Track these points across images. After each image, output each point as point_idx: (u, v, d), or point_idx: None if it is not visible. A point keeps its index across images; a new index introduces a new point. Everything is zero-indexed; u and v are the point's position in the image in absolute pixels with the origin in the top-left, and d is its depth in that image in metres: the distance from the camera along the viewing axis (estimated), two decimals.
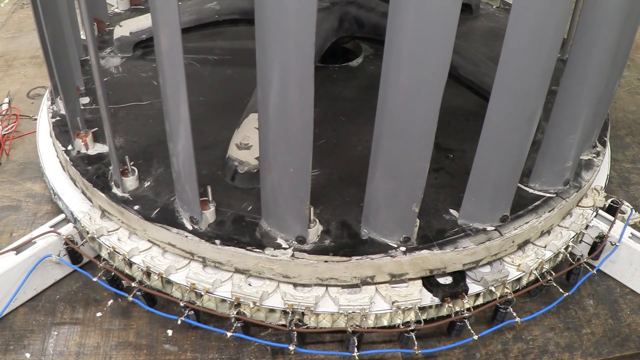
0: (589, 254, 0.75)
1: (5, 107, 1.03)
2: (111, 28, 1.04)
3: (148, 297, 0.67)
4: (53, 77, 0.78)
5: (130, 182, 0.70)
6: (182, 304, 0.63)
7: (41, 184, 0.87)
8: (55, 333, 0.66)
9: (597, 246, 0.74)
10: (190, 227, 0.65)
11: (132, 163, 0.71)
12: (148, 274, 0.66)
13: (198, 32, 1.01)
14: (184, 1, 1.08)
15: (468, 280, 0.67)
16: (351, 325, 0.63)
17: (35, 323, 0.67)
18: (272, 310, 0.64)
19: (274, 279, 0.65)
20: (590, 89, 0.64)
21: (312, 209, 0.63)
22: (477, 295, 0.67)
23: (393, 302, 0.63)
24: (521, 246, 0.70)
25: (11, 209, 0.83)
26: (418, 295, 0.64)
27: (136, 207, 0.68)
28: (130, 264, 0.68)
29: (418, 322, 0.63)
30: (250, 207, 0.68)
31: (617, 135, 1.03)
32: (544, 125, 0.70)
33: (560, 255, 0.72)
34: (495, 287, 0.67)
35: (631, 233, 0.75)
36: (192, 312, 0.63)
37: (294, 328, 0.62)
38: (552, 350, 0.67)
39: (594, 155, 0.80)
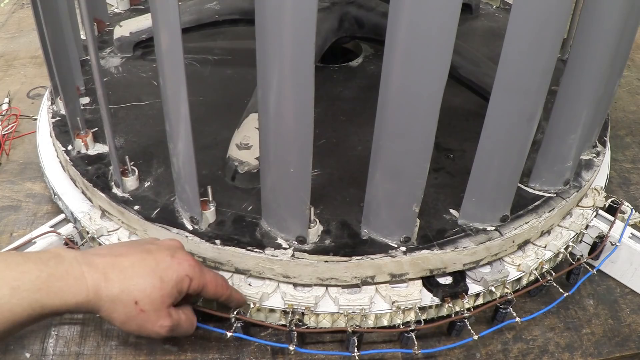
0: (589, 254, 0.75)
1: (5, 107, 1.03)
2: (111, 28, 1.04)
3: None
4: (53, 77, 0.78)
5: (131, 182, 0.70)
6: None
7: (41, 184, 0.87)
8: (55, 333, 0.66)
9: (597, 246, 0.74)
10: (190, 227, 0.65)
11: (132, 163, 0.71)
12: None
13: (198, 32, 1.01)
14: (184, 1, 1.08)
15: (468, 280, 0.67)
16: (351, 325, 0.63)
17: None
18: (272, 310, 0.64)
19: (274, 279, 0.65)
20: (590, 89, 0.64)
21: (312, 209, 0.63)
22: (477, 295, 0.67)
23: (393, 302, 0.63)
24: (521, 246, 0.70)
25: (11, 209, 0.83)
26: (418, 295, 0.64)
27: (136, 207, 0.68)
28: None
29: (418, 322, 0.63)
30: (251, 207, 0.68)
31: (617, 135, 1.03)
32: (544, 125, 0.70)
33: (560, 255, 0.72)
34: (495, 287, 0.67)
35: (631, 233, 0.75)
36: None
37: (294, 328, 0.62)
38: (552, 350, 0.67)
39: (594, 155, 0.80)
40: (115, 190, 0.70)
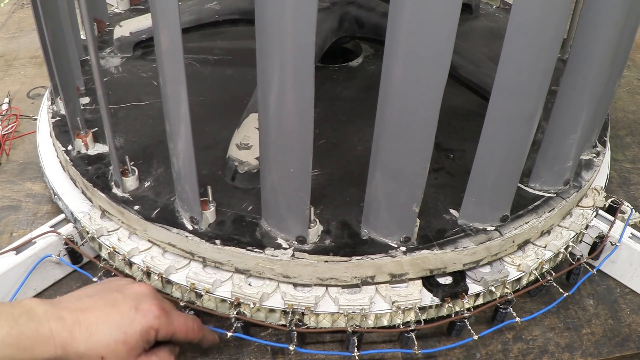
0: (589, 254, 0.75)
1: (5, 107, 1.03)
2: (111, 28, 1.04)
3: None
4: (53, 77, 0.78)
5: (130, 182, 0.70)
6: (182, 304, 0.63)
7: (41, 184, 0.87)
8: None
9: (597, 246, 0.74)
10: (190, 227, 0.65)
11: (132, 163, 0.71)
12: (148, 274, 0.66)
13: (198, 32, 1.01)
14: (184, 1, 1.08)
15: (468, 280, 0.67)
16: (351, 325, 0.63)
17: None
18: (272, 310, 0.64)
19: (274, 279, 0.65)
20: (590, 89, 0.64)
21: (312, 209, 0.63)
22: (477, 295, 0.67)
23: (393, 302, 0.63)
24: (521, 246, 0.70)
25: (11, 209, 0.83)
26: (418, 295, 0.64)
27: (136, 207, 0.68)
28: (130, 264, 0.68)
29: (418, 322, 0.63)
30: (251, 207, 0.68)
31: (617, 135, 1.03)
32: (544, 125, 0.70)
33: (560, 255, 0.72)
34: (495, 287, 0.67)
35: (631, 233, 0.75)
36: (192, 312, 0.63)
37: (294, 328, 0.62)
38: (552, 350, 0.67)
39: (594, 155, 0.80)
40: (115, 190, 0.70)
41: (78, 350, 0.51)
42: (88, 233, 0.71)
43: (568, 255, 0.72)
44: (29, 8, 1.05)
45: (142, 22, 1.00)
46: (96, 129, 0.79)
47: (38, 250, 0.68)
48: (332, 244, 0.64)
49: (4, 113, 1.02)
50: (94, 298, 0.55)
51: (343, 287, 0.65)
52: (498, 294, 0.67)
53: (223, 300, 0.64)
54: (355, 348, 0.62)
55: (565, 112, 0.66)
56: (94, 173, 0.73)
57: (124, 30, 0.99)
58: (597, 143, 0.81)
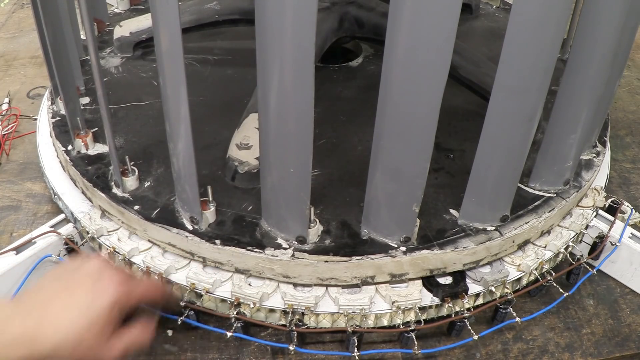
0: (589, 254, 0.75)
1: (5, 107, 1.03)
2: (111, 28, 1.04)
3: None
4: (53, 77, 0.78)
5: (131, 182, 0.70)
6: (182, 304, 0.63)
7: (41, 184, 0.87)
8: None
9: (597, 246, 0.74)
10: (190, 227, 0.65)
11: (132, 163, 0.71)
12: (148, 274, 0.66)
13: (198, 32, 1.01)
14: (184, 1, 1.08)
15: (468, 280, 0.67)
16: (351, 325, 0.63)
17: None
18: (272, 310, 0.64)
19: (274, 279, 0.65)
20: (590, 89, 0.64)
21: (312, 209, 0.63)
22: (477, 295, 0.67)
23: (393, 302, 0.63)
24: (521, 246, 0.70)
25: (11, 209, 0.83)
26: (418, 295, 0.64)
27: (136, 207, 0.68)
28: (130, 264, 0.68)
29: (418, 322, 0.63)
30: (251, 207, 0.68)
31: (617, 135, 1.03)
32: (544, 125, 0.70)
33: (560, 255, 0.72)
34: (495, 287, 0.67)
35: (631, 233, 0.75)
36: (192, 312, 0.63)
37: (294, 328, 0.62)
38: (552, 350, 0.67)
39: (594, 155, 0.80)
40: (115, 190, 0.70)
41: (45, 350, 0.49)
42: (88, 233, 0.71)
43: (568, 255, 0.72)
44: (29, 8, 1.05)
45: (142, 22, 1.00)
46: (96, 129, 0.79)
47: (38, 250, 0.68)
48: (332, 244, 0.64)
49: (4, 113, 1.02)
50: (54, 285, 0.53)
51: (343, 287, 0.65)
52: (498, 294, 0.67)
53: (223, 300, 0.64)
54: (355, 348, 0.62)
55: (565, 112, 0.66)
56: (94, 173, 0.73)
57: (124, 30, 0.99)
58: (597, 143, 0.81)
